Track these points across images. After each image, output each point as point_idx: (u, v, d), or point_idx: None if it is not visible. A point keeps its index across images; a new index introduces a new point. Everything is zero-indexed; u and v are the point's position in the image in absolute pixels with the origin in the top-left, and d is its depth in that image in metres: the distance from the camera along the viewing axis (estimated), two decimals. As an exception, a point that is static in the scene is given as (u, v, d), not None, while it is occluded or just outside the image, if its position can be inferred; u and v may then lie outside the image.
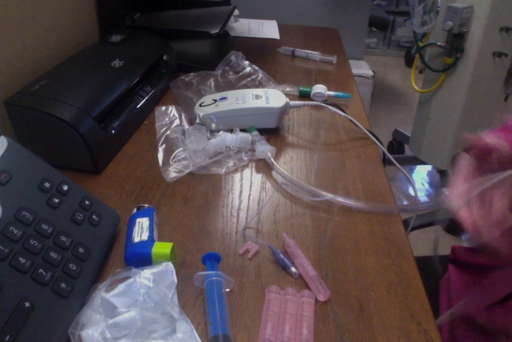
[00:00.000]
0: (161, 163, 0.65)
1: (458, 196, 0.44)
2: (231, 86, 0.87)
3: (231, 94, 0.76)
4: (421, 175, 2.22)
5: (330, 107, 0.77)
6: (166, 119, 0.75)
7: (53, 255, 0.40)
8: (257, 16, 1.45)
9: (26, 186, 0.42)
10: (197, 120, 0.73)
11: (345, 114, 0.75)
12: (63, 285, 0.39)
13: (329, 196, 0.58)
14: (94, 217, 0.47)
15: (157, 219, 0.54)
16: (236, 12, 1.31)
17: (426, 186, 2.13)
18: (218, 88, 0.85)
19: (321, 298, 0.45)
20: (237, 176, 0.65)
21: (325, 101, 0.84)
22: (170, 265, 0.44)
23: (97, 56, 0.79)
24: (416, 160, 1.97)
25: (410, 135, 2.05)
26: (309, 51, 1.13)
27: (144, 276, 0.42)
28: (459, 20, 1.53)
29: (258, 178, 0.65)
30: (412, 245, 0.53)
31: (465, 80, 1.67)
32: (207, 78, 0.87)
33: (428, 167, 2.21)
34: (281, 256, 0.49)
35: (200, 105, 0.74)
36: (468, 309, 0.59)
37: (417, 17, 1.54)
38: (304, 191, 0.60)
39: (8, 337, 0.33)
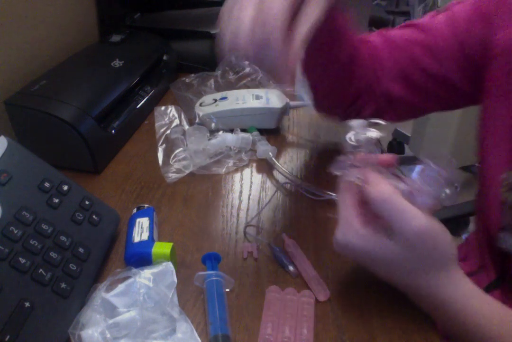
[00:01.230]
0: (161, 163, 0.65)
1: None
2: (231, 86, 0.86)
3: (231, 94, 0.76)
4: (421, 175, 2.21)
5: (330, 107, 0.77)
6: (166, 119, 0.75)
7: (53, 255, 0.40)
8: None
9: (26, 186, 0.42)
10: (197, 120, 0.73)
11: (345, 114, 0.75)
12: (63, 285, 0.39)
13: (330, 195, 0.58)
14: (94, 217, 0.47)
15: (157, 219, 0.54)
16: (236, 12, 1.31)
17: (426, 186, 2.13)
18: (219, 89, 0.85)
19: (321, 298, 0.45)
20: (237, 176, 0.65)
21: (325, 101, 0.83)
22: (170, 265, 0.44)
23: (97, 56, 0.79)
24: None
25: (410, 135, 2.05)
26: (309, 51, 1.13)
27: (144, 276, 0.42)
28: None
29: (258, 177, 0.65)
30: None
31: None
32: (207, 79, 0.87)
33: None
34: (280, 254, 0.49)
35: (200, 104, 0.74)
36: None
37: (416, 17, 1.54)
38: (306, 190, 0.60)
39: (8, 337, 0.33)
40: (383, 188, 0.37)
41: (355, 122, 0.37)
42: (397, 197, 0.36)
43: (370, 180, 0.38)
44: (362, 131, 0.37)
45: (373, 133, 0.37)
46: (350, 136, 0.38)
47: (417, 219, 0.36)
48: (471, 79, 0.54)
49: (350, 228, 0.39)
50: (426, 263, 0.38)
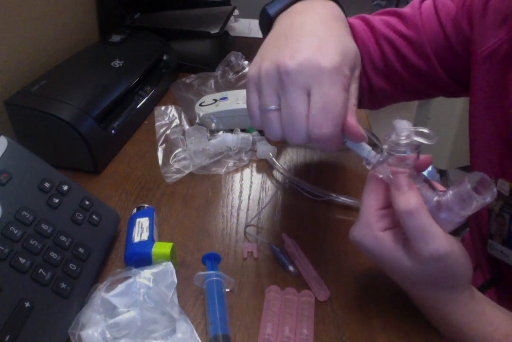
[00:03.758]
0: (161, 163, 0.65)
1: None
2: (231, 86, 0.86)
3: (231, 94, 0.76)
4: (421, 175, 2.21)
5: (330, 107, 0.76)
6: (166, 119, 0.75)
7: (53, 255, 0.40)
8: (257, 16, 1.43)
9: (26, 186, 0.42)
10: (197, 120, 0.73)
11: (345, 114, 0.75)
12: (63, 285, 0.39)
13: (330, 195, 0.58)
14: (94, 217, 0.47)
15: (157, 219, 0.54)
16: (236, 12, 1.31)
17: (426, 186, 2.13)
18: (219, 89, 0.85)
19: (321, 298, 0.45)
20: (237, 176, 0.65)
21: (325, 101, 0.83)
22: (170, 265, 0.44)
23: (97, 56, 0.79)
24: (416, 161, 1.97)
25: (410, 135, 2.04)
26: (309, 51, 1.12)
27: (144, 276, 0.42)
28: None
29: (258, 178, 0.65)
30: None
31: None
32: (207, 79, 0.87)
33: (428, 167, 2.21)
34: (280, 254, 0.49)
35: (201, 104, 0.74)
36: None
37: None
38: (306, 190, 0.60)
39: (8, 337, 0.33)
40: (411, 199, 0.35)
41: (402, 124, 0.35)
42: (423, 212, 0.34)
43: (400, 185, 0.36)
44: (407, 134, 0.35)
45: (419, 138, 0.35)
46: (394, 138, 0.36)
47: (437, 241, 0.34)
48: (455, 74, 0.53)
49: (368, 229, 0.37)
50: (436, 282, 0.37)
